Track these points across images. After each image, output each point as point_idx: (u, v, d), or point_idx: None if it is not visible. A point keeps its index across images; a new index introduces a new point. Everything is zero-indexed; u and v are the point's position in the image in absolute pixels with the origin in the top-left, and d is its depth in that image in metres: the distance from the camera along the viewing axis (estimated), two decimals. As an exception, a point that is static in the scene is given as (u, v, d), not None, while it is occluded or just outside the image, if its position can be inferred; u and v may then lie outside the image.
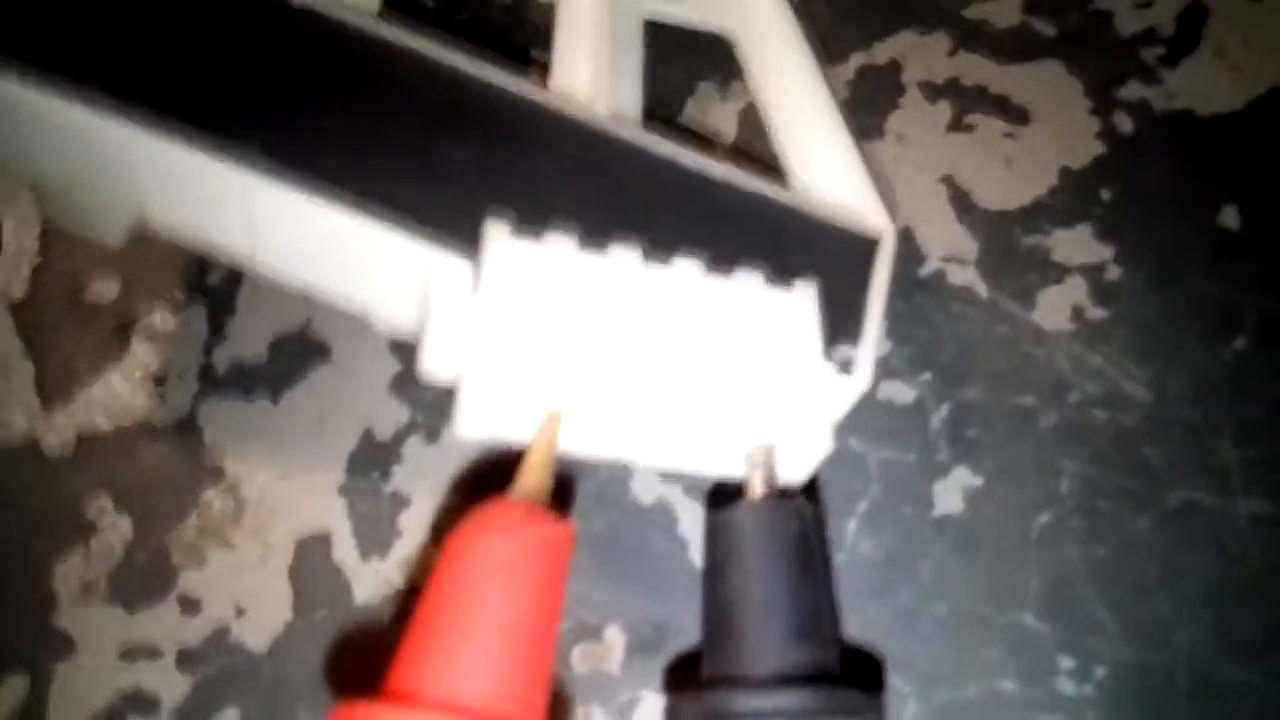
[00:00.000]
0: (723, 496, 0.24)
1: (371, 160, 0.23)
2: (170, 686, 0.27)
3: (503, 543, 0.21)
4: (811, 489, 0.26)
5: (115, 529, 0.29)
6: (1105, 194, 0.31)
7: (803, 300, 0.25)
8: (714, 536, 0.24)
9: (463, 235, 0.23)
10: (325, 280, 0.25)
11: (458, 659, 0.20)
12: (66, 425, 0.30)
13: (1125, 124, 0.32)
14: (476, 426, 0.23)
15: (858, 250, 0.27)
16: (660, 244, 0.24)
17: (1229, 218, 0.30)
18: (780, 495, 0.23)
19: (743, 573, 0.22)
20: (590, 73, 0.27)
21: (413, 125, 0.24)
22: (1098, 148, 0.31)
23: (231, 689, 0.27)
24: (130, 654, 0.28)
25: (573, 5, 0.29)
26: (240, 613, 0.28)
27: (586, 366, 0.23)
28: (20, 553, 0.29)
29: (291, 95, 0.23)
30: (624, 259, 0.24)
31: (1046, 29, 0.33)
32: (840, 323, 0.25)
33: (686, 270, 0.24)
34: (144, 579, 0.28)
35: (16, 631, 0.28)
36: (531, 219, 0.24)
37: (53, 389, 0.31)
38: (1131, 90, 0.32)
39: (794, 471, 0.24)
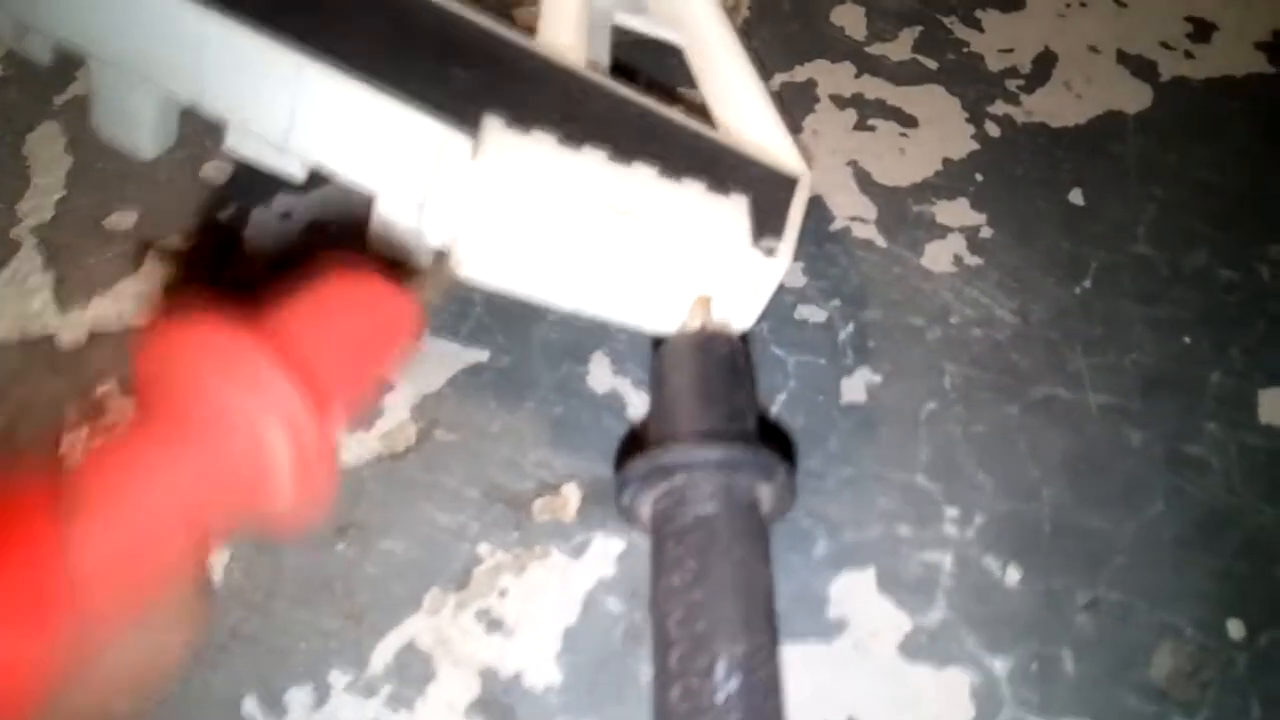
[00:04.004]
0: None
1: (399, 69, 0.29)
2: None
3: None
4: (744, 340, 0.31)
5: (120, 409, 0.32)
6: (979, 177, 0.38)
7: (737, 203, 0.31)
8: (661, 358, 0.28)
9: (467, 123, 0.29)
10: (342, 162, 0.30)
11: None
12: (81, 324, 0.34)
13: (994, 130, 0.39)
14: (475, 270, 0.28)
15: (781, 183, 0.33)
16: (621, 157, 0.30)
17: (1076, 196, 0.37)
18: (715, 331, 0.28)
19: (683, 374, 0.27)
20: (570, 34, 0.34)
21: (430, 54, 0.30)
22: (973, 145, 0.39)
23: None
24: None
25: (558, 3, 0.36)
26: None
27: (562, 231, 0.28)
28: (35, 426, 0.32)
29: (344, 17, 0.29)
30: (594, 155, 0.30)
31: (930, 63, 0.41)
32: (766, 225, 0.31)
33: (644, 171, 0.30)
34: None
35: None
36: (519, 124, 0.29)
37: (71, 296, 0.35)
38: (998, 107, 0.40)
39: (731, 324, 0.30)
